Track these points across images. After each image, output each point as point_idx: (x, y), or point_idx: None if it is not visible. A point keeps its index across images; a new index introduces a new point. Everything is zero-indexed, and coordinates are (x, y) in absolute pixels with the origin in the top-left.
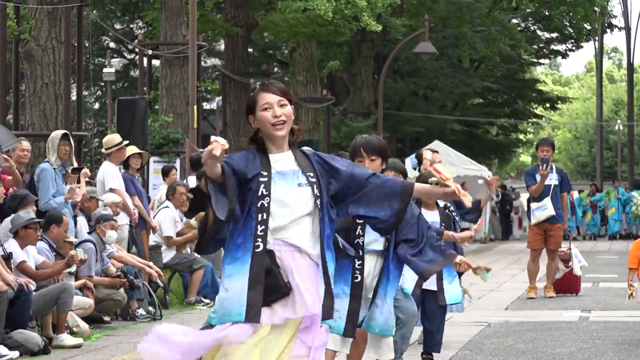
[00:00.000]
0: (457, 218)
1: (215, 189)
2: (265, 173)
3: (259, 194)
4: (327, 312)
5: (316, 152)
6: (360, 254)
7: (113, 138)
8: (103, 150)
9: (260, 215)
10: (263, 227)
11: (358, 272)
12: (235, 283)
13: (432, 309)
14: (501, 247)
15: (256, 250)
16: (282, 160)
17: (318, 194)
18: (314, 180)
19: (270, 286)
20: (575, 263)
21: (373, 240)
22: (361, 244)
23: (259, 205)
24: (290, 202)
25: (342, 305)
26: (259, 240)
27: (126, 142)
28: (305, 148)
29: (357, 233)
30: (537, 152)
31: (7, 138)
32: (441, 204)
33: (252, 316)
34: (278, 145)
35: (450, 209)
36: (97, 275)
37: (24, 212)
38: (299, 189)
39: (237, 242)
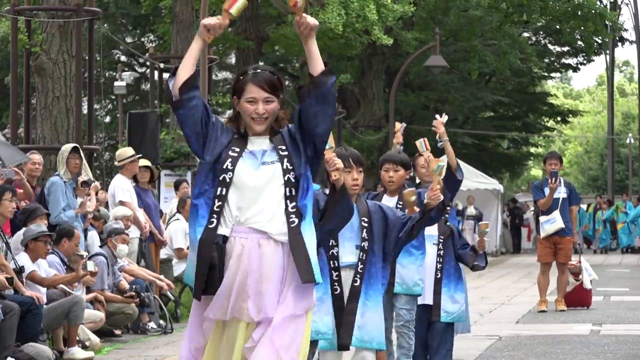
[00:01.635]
0: (458, 229)
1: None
2: (237, 149)
3: (224, 166)
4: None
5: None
6: (336, 265)
7: (126, 151)
8: (116, 163)
9: (219, 190)
10: (220, 202)
11: (337, 284)
12: (191, 257)
13: (434, 326)
14: (512, 260)
15: (209, 226)
16: (256, 143)
17: (290, 167)
18: (285, 153)
19: (210, 280)
20: (585, 276)
21: (348, 252)
22: (335, 254)
23: (220, 178)
24: (254, 183)
25: (329, 320)
26: (214, 216)
27: (138, 155)
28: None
29: (330, 244)
30: (545, 166)
31: (12, 155)
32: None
33: (197, 295)
34: (254, 129)
35: (447, 221)
36: (108, 288)
37: (35, 225)
38: (263, 168)
39: (197, 215)
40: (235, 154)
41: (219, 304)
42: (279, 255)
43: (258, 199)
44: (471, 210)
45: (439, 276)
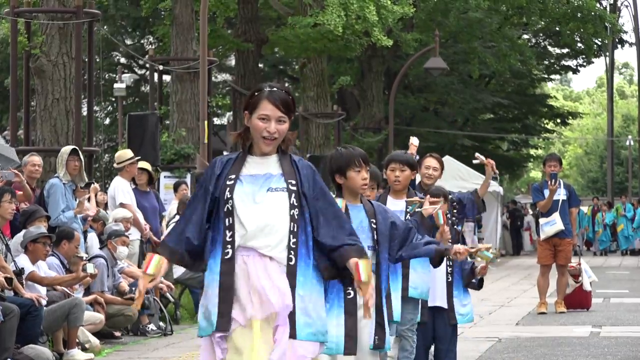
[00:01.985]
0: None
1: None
2: (232, 176)
3: (224, 197)
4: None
5: (311, 166)
6: None
7: (125, 153)
8: (115, 164)
9: (227, 220)
10: (231, 232)
11: (350, 288)
12: (207, 292)
13: (443, 329)
14: (512, 262)
15: (225, 257)
16: (261, 164)
17: (296, 204)
18: (294, 188)
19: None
20: (584, 278)
21: None
22: None
23: (225, 209)
24: (256, 208)
25: (337, 323)
26: (228, 247)
27: (137, 157)
28: (297, 158)
29: None
30: (544, 168)
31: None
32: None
33: (223, 324)
34: (262, 149)
35: (455, 225)
36: (108, 289)
37: (34, 227)
38: (268, 194)
39: (210, 249)
40: (232, 182)
41: (236, 312)
42: (282, 272)
43: (261, 225)
44: None
45: (450, 280)
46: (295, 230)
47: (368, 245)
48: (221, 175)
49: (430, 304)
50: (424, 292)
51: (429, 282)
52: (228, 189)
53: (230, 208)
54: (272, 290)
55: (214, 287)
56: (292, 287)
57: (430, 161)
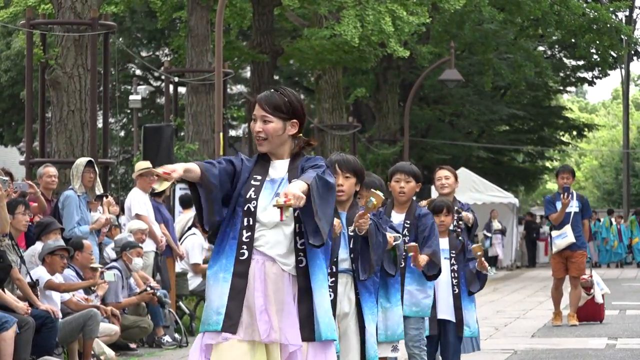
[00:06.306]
0: (467, 243)
1: (197, 195)
2: (259, 177)
3: (247, 196)
4: (307, 333)
5: (309, 158)
6: (334, 270)
7: (143, 162)
8: (134, 175)
9: (246, 220)
10: (249, 233)
11: (331, 289)
12: (216, 290)
13: (448, 341)
14: (528, 274)
15: (240, 258)
16: (277, 168)
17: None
18: None
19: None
20: (596, 290)
21: (343, 259)
22: (335, 260)
23: (245, 208)
24: (268, 210)
25: None
26: (244, 247)
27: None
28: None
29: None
30: (557, 180)
31: None
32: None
33: (229, 326)
34: (275, 152)
35: (459, 236)
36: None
37: (52, 240)
38: (276, 198)
39: (224, 246)
40: (258, 183)
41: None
42: (284, 281)
43: (272, 231)
44: (497, 225)
45: (456, 291)
46: (301, 230)
47: (343, 256)
48: (249, 174)
49: (438, 317)
50: (421, 310)
51: (427, 298)
52: (253, 189)
53: (252, 209)
54: (276, 320)
55: (224, 285)
56: (307, 289)
57: (440, 172)
